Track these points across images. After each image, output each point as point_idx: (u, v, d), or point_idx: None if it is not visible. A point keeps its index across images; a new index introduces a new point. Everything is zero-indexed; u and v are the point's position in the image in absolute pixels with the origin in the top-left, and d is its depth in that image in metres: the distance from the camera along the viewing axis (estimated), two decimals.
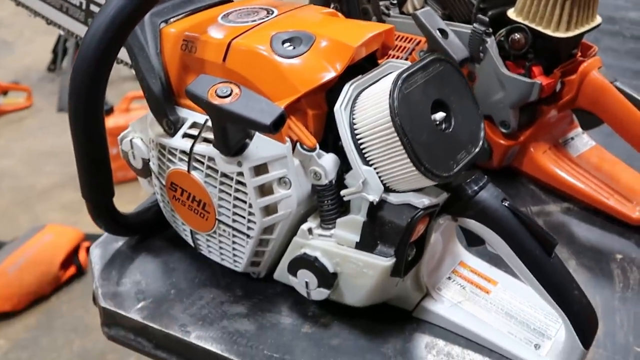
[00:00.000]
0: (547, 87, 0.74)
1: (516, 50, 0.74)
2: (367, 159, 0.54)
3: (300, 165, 0.56)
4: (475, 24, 0.74)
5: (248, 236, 0.59)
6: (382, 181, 0.54)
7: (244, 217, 0.59)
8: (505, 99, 0.76)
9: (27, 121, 2.96)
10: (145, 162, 0.66)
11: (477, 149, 0.56)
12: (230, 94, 0.52)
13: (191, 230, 0.64)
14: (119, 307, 0.61)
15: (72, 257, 2.04)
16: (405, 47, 0.82)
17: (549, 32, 0.72)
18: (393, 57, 0.82)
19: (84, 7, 0.95)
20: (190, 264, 0.67)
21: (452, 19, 0.79)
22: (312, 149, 0.55)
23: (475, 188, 0.55)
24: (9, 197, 2.42)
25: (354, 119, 0.54)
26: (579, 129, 0.84)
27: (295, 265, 0.59)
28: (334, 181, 0.56)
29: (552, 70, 0.75)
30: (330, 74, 0.54)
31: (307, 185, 0.56)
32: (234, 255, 0.62)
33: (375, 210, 0.54)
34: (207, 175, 0.59)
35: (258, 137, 0.55)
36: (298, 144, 0.55)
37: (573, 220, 0.77)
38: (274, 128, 0.50)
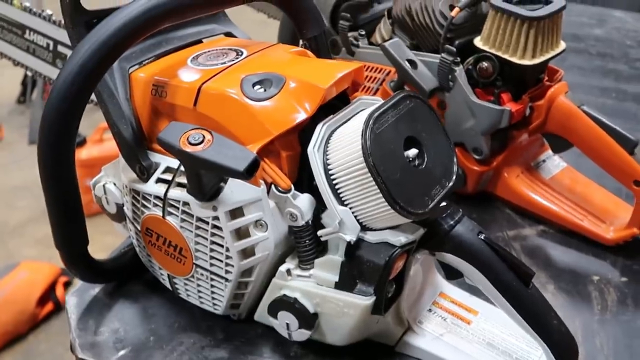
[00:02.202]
0: (516, 113, 0.75)
1: (484, 78, 0.75)
2: (343, 198, 0.54)
3: (276, 207, 0.56)
4: (443, 54, 0.75)
5: (226, 279, 0.59)
6: (358, 220, 0.54)
7: (221, 261, 0.58)
8: (476, 126, 0.77)
9: None
10: (119, 207, 0.65)
11: (451, 183, 0.56)
12: (202, 141, 0.52)
13: (169, 275, 0.63)
14: (97, 357, 0.60)
15: (49, 294, 2.00)
16: (375, 78, 0.83)
17: (515, 59, 0.73)
18: (364, 88, 0.83)
19: (51, 48, 0.94)
20: (169, 309, 0.66)
21: (419, 48, 0.80)
22: (287, 191, 0.55)
23: (451, 222, 0.56)
24: None
25: (327, 159, 0.54)
26: (550, 151, 0.85)
27: (275, 307, 0.58)
28: (310, 221, 0.56)
29: (520, 96, 0.77)
30: (301, 116, 0.55)
31: (283, 226, 0.56)
32: (213, 298, 0.62)
33: (352, 249, 0.54)
34: (183, 220, 0.58)
35: (232, 181, 0.55)
36: (273, 186, 0.55)
37: (549, 243, 0.78)
38: (248, 174, 0.50)
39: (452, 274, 0.58)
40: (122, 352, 0.61)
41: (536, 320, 0.54)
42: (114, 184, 0.65)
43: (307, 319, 0.57)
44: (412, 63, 0.77)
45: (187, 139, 0.52)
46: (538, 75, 0.78)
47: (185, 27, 0.67)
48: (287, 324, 0.58)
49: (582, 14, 1.54)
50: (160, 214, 0.59)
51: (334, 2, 0.89)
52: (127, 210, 0.63)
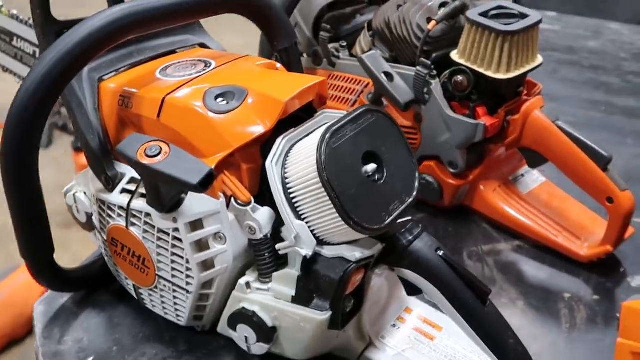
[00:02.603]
0: (491, 127, 0.75)
1: (459, 92, 0.75)
2: (300, 212, 0.54)
3: (236, 220, 0.56)
4: (418, 67, 0.75)
5: (187, 291, 0.59)
6: (315, 234, 0.54)
7: (182, 272, 0.58)
8: (452, 140, 0.76)
9: None
10: (89, 216, 0.65)
11: (411, 199, 0.56)
12: (159, 153, 0.52)
13: (134, 285, 0.64)
14: None
15: None
16: (354, 90, 0.83)
17: (490, 73, 0.73)
18: (342, 100, 0.83)
19: (37, 55, 0.95)
20: (135, 319, 0.66)
21: (398, 61, 0.80)
22: (247, 204, 0.55)
23: (410, 238, 0.55)
24: None
25: (285, 173, 0.54)
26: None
27: (235, 320, 0.58)
28: (269, 235, 0.56)
29: (496, 110, 0.76)
30: (261, 129, 0.55)
31: (243, 239, 0.56)
32: (176, 309, 0.62)
33: (309, 264, 0.54)
34: (145, 232, 0.59)
35: (192, 193, 0.55)
36: (232, 199, 0.55)
37: (523, 259, 0.78)
38: (201, 187, 0.50)
39: (412, 290, 0.57)
40: None
41: (492, 339, 0.54)
42: (84, 193, 0.65)
43: (266, 332, 0.57)
44: (388, 75, 0.76)
45: (145, 150, 0.52)
46: (515, 89, 0.77)
47: (159, 38, 0.67)
48: (246, 337, 0.58)
49: (579, 26, 1.53)
50: (124, 224, 0.60)
51: (316, 13, 0.89)
52: (95, 219, 0.64)
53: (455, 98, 0.77)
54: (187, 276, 0.58)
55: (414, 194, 0.57)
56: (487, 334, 0.54)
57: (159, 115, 0.57)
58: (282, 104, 0.54)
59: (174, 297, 0.61)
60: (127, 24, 0.56)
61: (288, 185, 0.53)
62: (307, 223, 0.53)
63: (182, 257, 0.57)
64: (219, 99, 0.56)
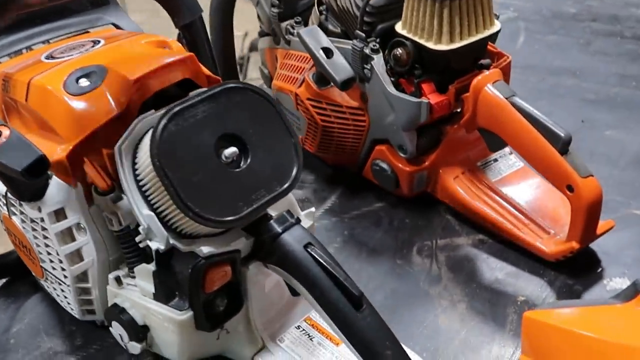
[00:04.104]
0: (437, 106, 0.66)
1: (401, 67, 0.67)
2: (152, 202, 0.49)
3: (98, 210, 0.52)
4: (354, 40, 0.67)
5: (67, 284, 0.56)
6: (172, 226, 0.49)
7: (57, 264, 0.55)
8: (396, 121, 0.68)
9: None
10: None
11: (284, 186, 0.50)
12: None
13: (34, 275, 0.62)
14: None
15: None
16: (302, 68, 0.76)
17: (430, 45, 0.64)
18: (291, 80, 0.77)
19: None
20: (42, 310, 0.64)
21: (348, 36, 0.73)
22: (106, 192, 0.51)
23: (279, 230, 0.49)
24: None
25: (135, 158, 0.49)
26: (507, 149, 0.74)
27: (109, 316, 0.54)
28: (132, 226, 0.51)
29: (447, 87, 0.67)
30: (113, 110, 0.50)
31: (110, 230, 0.52)
32: (68, 302, 0.59)
33: (165, 258, 0.49)
34: (23, 221, 0.56)
35: (53, 181, 0.52)
36: (93, 187, 0.51)
37: (481, 255, 0.68)
38: (28, 174, 0.46)
39: (294, 290, 0.51)
40: None
41: (366, 349, 0.46)
42: None
43: (136, 331, 0.53)
44: (327, 51, 0.69)
45: None
46: (469, 62, 0.67)
47: (69, 17, 0.64)
48: (120, 335, 0.54)
49: None
50: (7, 212, 0.57)
51: None
52: None
53: (402, 75, 0.68)
54: (62, 269, 0.55)
55: (290, 181, 0.50)
56: (360, 342, 0.47)
57: (26, 99, 0.54)
58: (130, 83, 0.49)
59: (62, 290, 0.58)
60: None
61: (137, 172, 0.49)
62: (160, 214, 0.48)
63: (54, 248, 0.54)
64: (82, 80, 0.52)
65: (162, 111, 0.49)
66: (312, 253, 0.48)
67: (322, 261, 0.47)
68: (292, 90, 0.76)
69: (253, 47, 1.96)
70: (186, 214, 0.45)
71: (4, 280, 0.68)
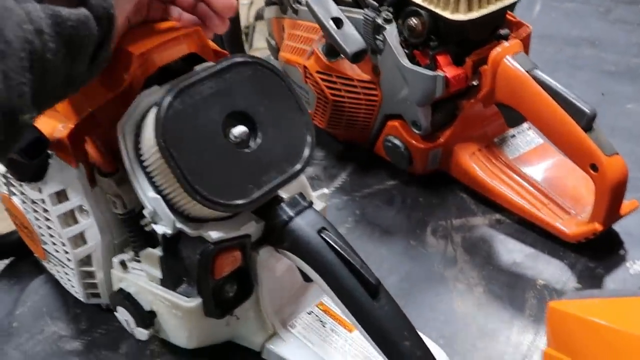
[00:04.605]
0: (454, 79, 0.62)
1: (415, 38, 0.63)
2: (156, 184, 0.46)
3: (101, 192, 0.49)
4: (365, 9, 0.64)
5: (70, 267, 0.54)
6: (179, 209, 0.46)
7: (60, 247, 0.53)
8: (410, 96, 0.65)
9: None
10: None
11: (296, 167, 0.47)
12: None
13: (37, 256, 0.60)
14: None
15: None
16: (311, 39, 0.73)
17: (447, 14, 0.61)
18: (299, 51, 0.73)
19: None
20: (46, 293, 0.62)
21: (359, 5, 0.69)
22: (109, 173, 0.48)
23: (291, 214, 0.47)
24: None
25: (138, 138, 0.46)
26: (525, 125, 0.71)
27: (114, 301, 0.53)
28: (137, 210, 0.49)
29: (464, 59, 0.64)
30: (116, 87, 0.47)
31: (113, 213, 0.50)
32: (72, 286, 0.57)
33: (172, 243, 0.47)
34: (23, 202, 0.54)
35: (54, 161, 0.49)
36: (96, 169, 0.49)
37: (499, 236, 0.66)
38: (26, 154, 0.45)
39: (307, 276, 0.49)
40: None
41: (383, 339, 0.44)
42: None
43: (143, 316, 0.51)
44: (337, 21, 0.66)
45: None
46: (487, 33, 0.64)
47: None
48: (126, 321, 0.52)
49: None
50: (7, 192, 0.55)
51: None
52: None
53: (417, 46, 0.65)
54: (65, 251, 0.53)
55: (302, 162, 0.47)
56: (376, 331, 0.44)
57: None
58: (134, 57, 0.46)
59: (65, 273, 0.56)
60: None
61: (140, 152, 0.46)
62: (166, 196, 0.46)
63: (56, 231, 0.52)
64: None
65: (167, 87, 0.46)
66: (327, 238, 0.45)
67: (337, 247, 0.45)
68: (300, 62, 0.72)
69: (259, 16, 1.91)
70: (193, 197, 0.43)
71: (6, 261, 0.66)
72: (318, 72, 0.70)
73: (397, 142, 0.70)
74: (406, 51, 0.65)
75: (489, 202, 0.69)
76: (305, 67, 0.72)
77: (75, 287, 0.56)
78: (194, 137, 0.43)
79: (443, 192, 0.71)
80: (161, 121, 0.42)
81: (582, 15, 1.06)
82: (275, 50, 0.84)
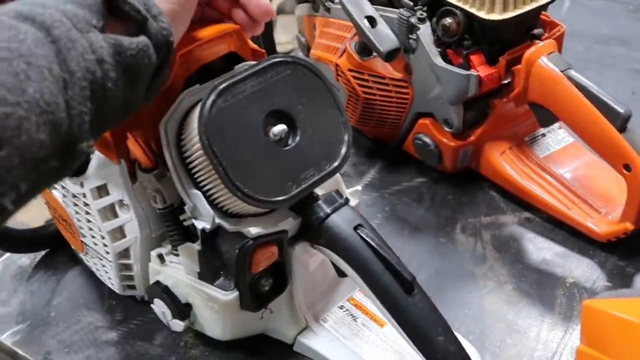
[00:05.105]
0: (487, 79, 0.63)
1: (449, 37, 0.64)
2: (198, 180, 0.47)
3: (141, 187, 0.51)
4: (401, 9, 0.64)
5: (108, 260, 0.55)
6: (218, 205, 0.47)
7: (99, 240, 0.54)
8: (443, 95, 0.65)
9: None
10: None
11: (333, 166, 0.48)
12: None
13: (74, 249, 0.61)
14: None
15: None
16: (343, 38, 0.73)
17: (482, 14, 0.61)
18: (331, 49, 0.74)
19: None
20: (82, 284, 0.63)
21: (393, 4, 0.70)
22: (149, 169, 0.49)
23: (328, 210, 0.47)
24: None
25: (182, 135, 0.47)
26: (555, 124, 0.71)
27: (151, 294, 0.54)
28: (175, 204, 0.50)
29: (497, 59, 0.64)
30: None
31: (152, 207, 0.51)
32: (108, 277, 0.58)
33: (211, 237, 0.48)
34: (64, 195, 0.55)
35: (96, 156, 0.51)
36: (137, 164, 0.50)
37: (529, 234, 0.66)
38: None
39: (341, 271, 0.49)
40: (20, 326, 0.60)
41: (417, 335, 0.45)
42: None
43: (180, 309, 0.52)
44: (371, 20, 0.66)
45: None
46: (521, 33, 0.64)
47: None
48: (163, 313, 0.54)
49: None
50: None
51: None
52: None
53: (451, 45, 0.65)
54: (104, 244, 0.54)
55: (339, 160, 0.48)
56: (411, 327, 0.45)
57: None
58: (175, 57, 0.47)
59: (102, 265, 0.57)
60: None
61: (183, 149, 0.47)
62: (206, 192, 0.47)
63: (96, 224, 0.53)
64: None
65: (210, 86, 0.47)
66: (363, 235, 0.46)
67: (373, 244, 0.46)
68: (332, 60, 0.73)
69: (280, 10, 1.92)
70: (235, 194, 0.44)
71: (42, 253, 0.67)
72: (350, 70, 0.71)
73: (427, 139, 0.70)
74: (439, 50, 0.65)
75: (517, 200, 0.69)
76: (337, 64, 0.72)
77: (112, 279, 0.58)
78: (236, 135, 0.44)
79: (472, 190, 0.72)
80: (205, 119, 0.43)
81: (612, 13, 1.05)
82: (305, 47, 0.84)
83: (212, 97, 0.44)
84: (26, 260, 0.67)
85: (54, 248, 0.67)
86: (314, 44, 0.78)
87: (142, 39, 0.38)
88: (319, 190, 0.50)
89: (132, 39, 0.37)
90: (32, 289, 0.64)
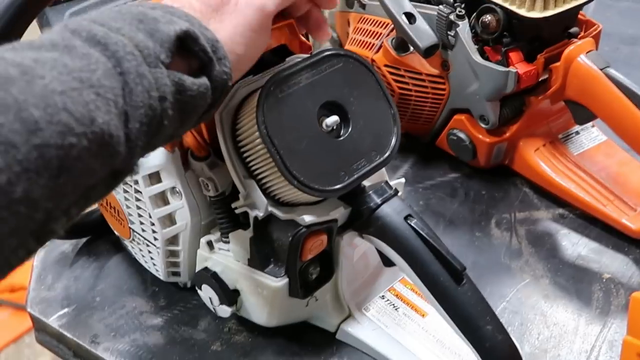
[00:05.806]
0: (525, 76, 0.64)
1: (488, 34, 0.65)
2: (252, 169, 0.48)
3: (193, 175, 0.52)
4: (440, 6, 0.66)
5: (156, 246, 0.57)
6: (270, 194, 0.49)
7: (149, 227, 0.56)
8: (480, 91, 0.66)
9: None
10: None
11: (383, 157, 0.49)
12: None
13: (119, 236, 0.62)
14: (42, 313, 0.61)
15: None
16: (379, 34, 0.74)
17: (523, 12, 0.62)
18: (367, 45, 0.75)
19: None
20: (124, 270, 0.65)
21: (431, 1, 0.71)
22: (202, 158, 0.51)
23: (378, 201, 0.49)
24: None
25: (237, 125, 0.48)
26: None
27: (199, 279, 0.55)
28: (227, 192, 0.51)
29: (535, 56, 0.65)
30: None
31: (203, 195, 0.52)
32: (154, 264, 0.60)
33: (263, 225, 0.49)
34: None
35: None
36: (189, 152, 0.51)
37: (563, 230, 0.67)
38: None
39: (388, 261, 0.51)
40: (65, 310, 0.61)
41: (465, 323, 0.46)
42: None
43: (228, 295, 0.54)
44: (410, 16, 0.67)
45: None
46: (560, 31, 0.65)
47: None
48: (210, 298, 0.55)
49: None
50: None
51: None
52: None
53: (488, 42, 0.66)
54: (153, 231, 0.56)
55: (389, 151, 0.49)
56: (460, 316, 0.46)
57: None
58: None
59: (149, 252, 0.59)
60: None
61: (239, 139, 0.48)
62: (260, 181, 0.48)
63: (146, 211, 0.55)
64: None
65: (265, 77, 0.49)
66: (413, 225, 0.47)
67: (423, 234, 0.47)
68: (368, 56, 0.74)
69: None
70: (291, 182, 0.45)
71: (84, 239, 0.69)
72: (386, 65, 0.72)
73: (462, 135, 0.71)
74: (477, 47, 0.66)
75: (551, 196, 0.70)
76: (373, 60, 0.73)
77: (157, 265, 0.59)
78: (292, 125, 0.46)
79: (505, 185, 0.73)
80: (263, 109, 0.44)
81: (638, 14, 1.06)
82: (337, 43, 0.85)
83: (270, 87, 0.45)
84: (68, 246, 0.68)
85: (96, 235, 0.68)
86: (348, 39, 0.79)
87: (204, 81, 0.38)
88: (365, 181, 0.51)
89: (194, 80, 0.38)
90: (75, 275, 0.65)
